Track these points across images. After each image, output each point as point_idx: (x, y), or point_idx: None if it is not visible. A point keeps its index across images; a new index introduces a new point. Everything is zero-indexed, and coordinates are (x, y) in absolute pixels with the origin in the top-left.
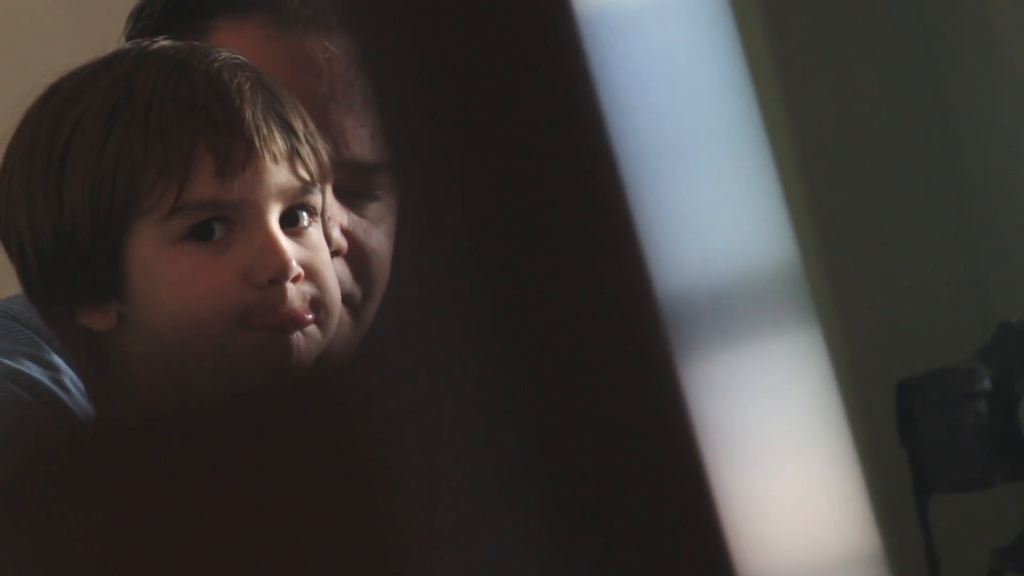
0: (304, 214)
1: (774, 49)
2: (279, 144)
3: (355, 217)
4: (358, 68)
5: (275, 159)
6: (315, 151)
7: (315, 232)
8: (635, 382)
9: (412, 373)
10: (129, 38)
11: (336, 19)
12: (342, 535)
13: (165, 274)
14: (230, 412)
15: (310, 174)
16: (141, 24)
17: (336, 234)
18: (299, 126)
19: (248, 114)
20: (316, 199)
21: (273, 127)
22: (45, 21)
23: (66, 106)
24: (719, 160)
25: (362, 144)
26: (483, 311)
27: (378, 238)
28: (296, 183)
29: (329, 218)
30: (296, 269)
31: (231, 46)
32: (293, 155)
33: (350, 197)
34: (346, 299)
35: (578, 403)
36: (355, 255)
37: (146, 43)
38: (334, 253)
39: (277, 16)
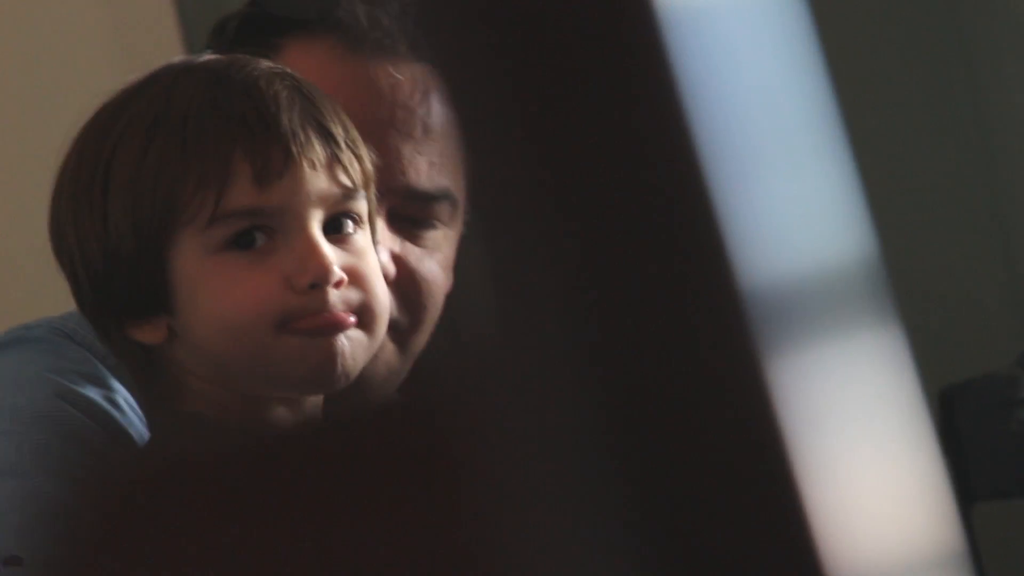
0: (348, 220)
1: (853, 46)
2: (317, 151)
3: (408, 244)
4: (422, 96)
5: (313, 165)
6: (358, 157)
7: (361, 238)
8: (720, 379)
9: (504, 383)
10: (209, 52)
11: (405, 46)
12: (438, 560)
13: (207, 283)
14: (320, 440)
15: (352, 180)
16: (218, 41)
17: (384, 259)
18: (339, 133)
19: (284, 121)
20: (360, 205)
21: (311, 134)
22: (87, 47)
23: (109, 122)
24: (800, 157)
25: (418, 172)
26: (570, 312)
27: (430, 267)
28: (337, 189)
29: (378, 243)
30: (338, 274)
31: (300, 65)
32: (333, 161)
33: (404, 224)
34: (392, 326)
35: (663, 401)
36: (405, 283)
37: (189, 58)
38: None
39: (346, 38)
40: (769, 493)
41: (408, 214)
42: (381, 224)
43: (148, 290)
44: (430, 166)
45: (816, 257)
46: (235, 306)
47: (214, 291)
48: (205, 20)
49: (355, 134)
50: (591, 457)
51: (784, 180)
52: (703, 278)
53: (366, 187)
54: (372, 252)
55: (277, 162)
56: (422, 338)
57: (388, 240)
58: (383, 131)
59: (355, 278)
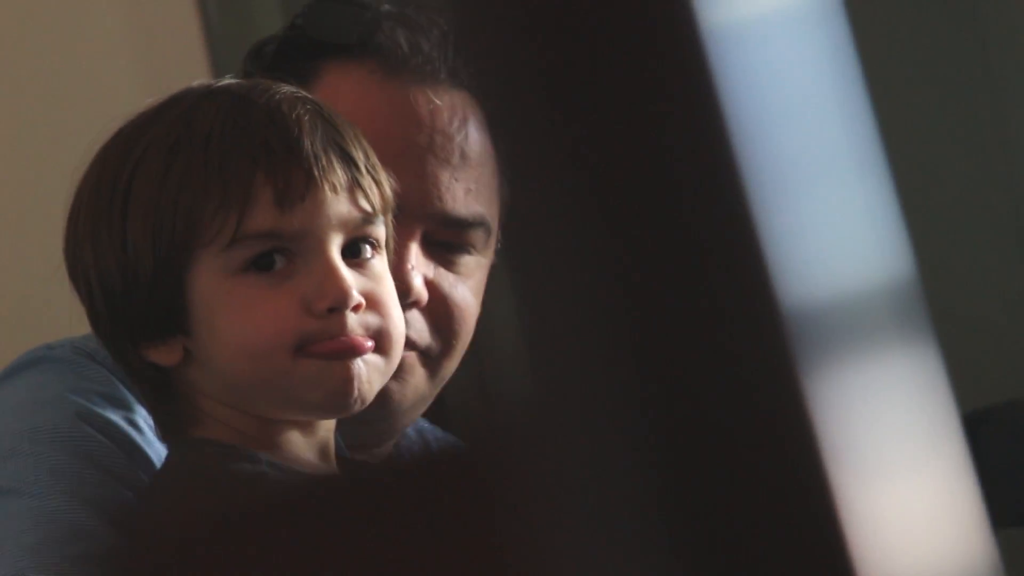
0: (367, 246)
1: (893, 64)
2: (339, 175)
3: (442, 270)
4: (460, 123)
5: (335, 189)
6: (377, 183)
7: (378, 263)
8: (759, 396)
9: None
10: (246, 75)
11: (445, 72)
12: None
13: (225, 304)
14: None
15: (372, 205)
16: (257, 63)
17: (418, 283)
18: (360, 158)
19: (307, 145)
20: (379, 231)
21: (333, 158)
22: (110, 66)
23: (131, 142)
24: (839, 175)
25: (455, 198)
26: (610, 330)
27: (463, 293)
28: (357, 214)
29: (412, 267)
30: (357, 298)
31: (339, 88)
32: (354, 186)
33: (439, 249)
34: (423, 352)
35: (703, 418)
36: (437, 308)
37: (208, 82)
38: (413, 303)
39: (386, 63)
40: (806, 510)
41: (442, 239)
42: (415, 249)
43: (165, 311)
44: (466, 193)
45: (854, 276)
46: (254, 329)
47: (232, 313)
48: (230, 31)
49: (375, 159)
50: (634, 473)
51: (823, 199)
52: (742, 297)
53: (384, 212)
54: (389, 277)
55: (299, 185)
56: (452, 364)
57: (422, 265)
58: (421, 156)
59: (373, 303)
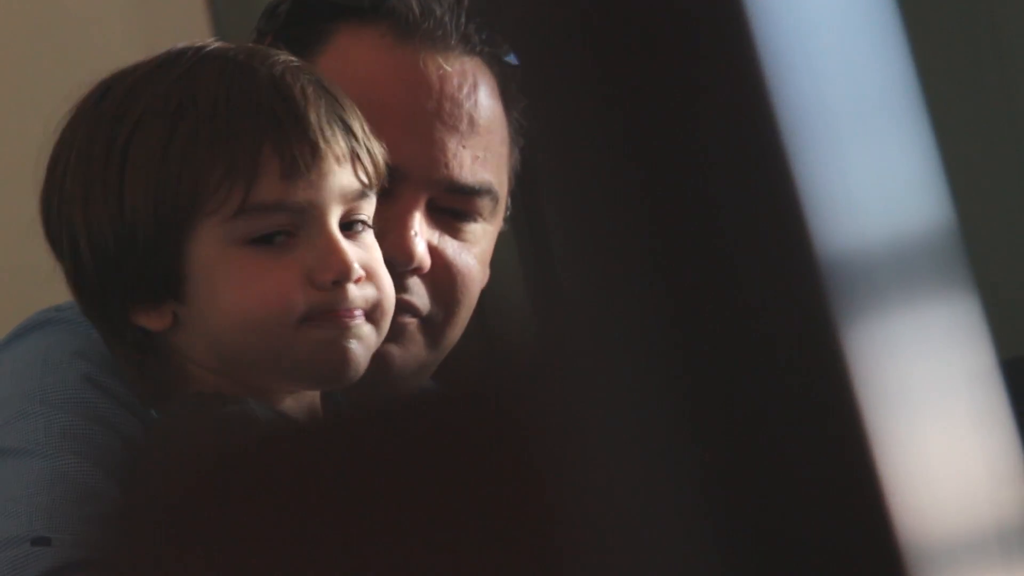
0: (361, 216)
1: (933, 12)
2: (341, 146)
3: (447, 237)
4: (470, 90)
5: (338, 161)
6: (371, 154)
7: (368, 234)
8: (797, 348)
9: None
10: (259, 33)
11: (456, 38)
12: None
13: (227, 275)
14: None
15: (368, 176)
16: (269, 24)
17: (420, 250)
18: (358, 128)
19: (313, 116)
20: (370, 206)
21: (336, 130)
22: (116, 44)
23: (124, 106)
24: (878, 124)
25: (462, 165)
26: (644, 281)
27: (467, 260)
28: (357, 185)
29: (415, 234)
30: (359, 271)
31: (349, 51)
32: (354, 157)
33: (444, 216)
34: (425, 319)
35: (740, 368)
36: (440, 274)
37: (199, 44)
38: (415, 270)
39: (397, 27)
40: (843, 460)
41: (448, 207)
42: (419, 215)
43: (160, 276)
44: (474, 160)
45: (893, 224)
46: (257, 300)
47: (234, 283)
48: (235, 14)
49: (370, 130)
50: (667, 428)
51: (861, 146)
52: (780, 246)
53: (377, 184)
54: (378, 248)
55: (306, 157)
56: (455, 332)
57: (426, 232)
58: (429, 122)
59: (369, 274)
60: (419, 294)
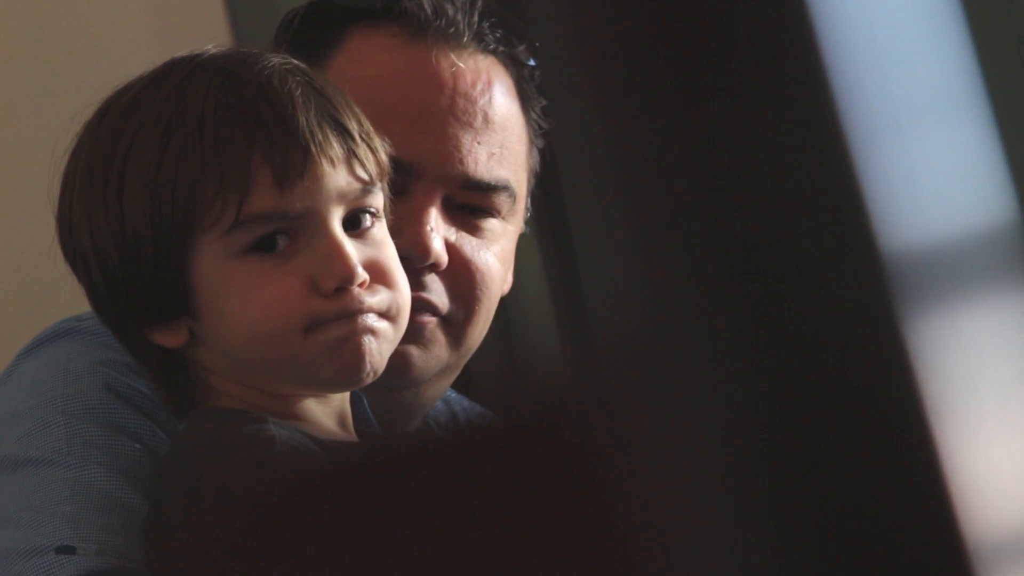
0: (367, 215)
1: (996, 5)
2: (335, 148)
3: (464, 234)
4: (484, 87)
5: (332, 163)
6: (372, 150)
7: (379, 231)
8: (862, 342)
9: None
10: (276, 44)
11: (469, 36)
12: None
13: (231, 288)
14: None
15: (369, 174)
16: (287, 31)
17: (437, 246)
18: (354, 127)
19: (302, 121)
20: (377, 199)
21: (328, 131)
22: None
23: (121, 123)
24: (944, 118)
25: (477, 161)
26: (707, 274)
27: (486, 258)
28: (356, 185)
29: (431, 230)
30: (362, 275)
31: (362, 52)
32: (350, 157)
33: (461, 213)
34: (445, 318)
35: (805, 362)
36: (458, 272)
37: (197, 53)
38: (432, 266)
39: (410, 27)
40: (908, 458)
41: (465, 203)
42: (436, 212)
43: (168, 294)
44: (489, 156)
45: (959, 219)
46: (262, 311)
47: (239, 296)
48: (255, 18)
49: (368, 126)
50: (732, 424)
51: (927, 142)
52: (844, 242)
53: (381, 179)
54: (390, 243)
55: (297, 163)
56: (476, 332)
57: (443, 228)
58: (442, 119)
59: (378, 272)
60: (437, 292)
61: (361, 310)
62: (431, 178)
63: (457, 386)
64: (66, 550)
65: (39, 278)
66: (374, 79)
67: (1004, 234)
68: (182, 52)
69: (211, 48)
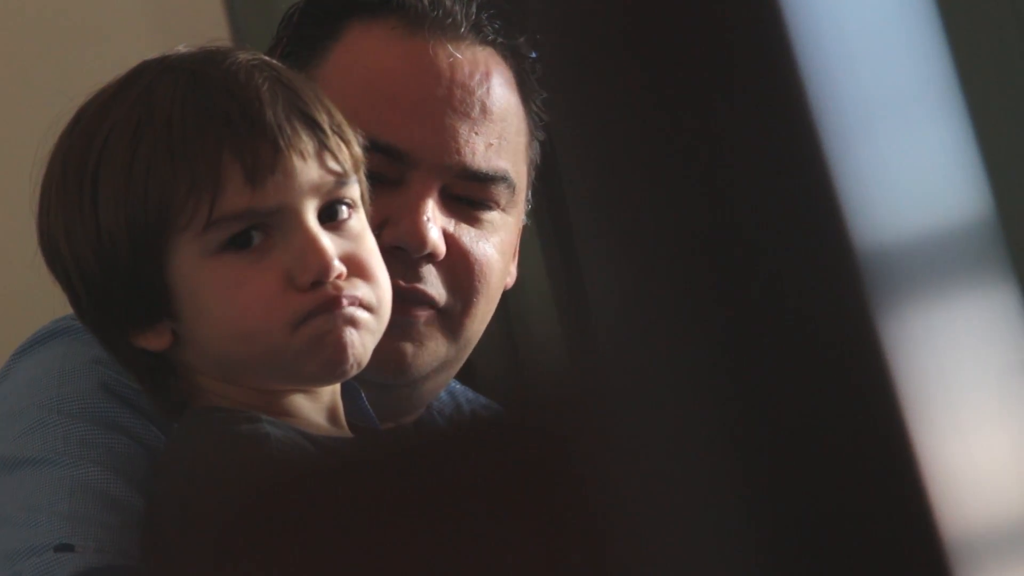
0: (342, 207)
1: (968, 3)
2: (305, 141)
3: (463, 225)
4: (482, 77)
5: (303, 157)
6: (345, 142)
7: (356, 222)
8: (836, 338)
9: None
10: (278, 40)
11: (467, 27)
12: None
13: (209, 287)
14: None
15: (342, 166)
16: (287, 27)
17: (433, 236)
18: (324, 119)
19: (269, 115)
20: (353, 190)
21: (297, 125)
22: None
23: (92, 128)
24: (916, 114)
25: (474, 152)
26: (683, 278)
27: (485, 249)
28: (329, 177)
29: (427, 220)
30: (339, 267)
31: (360, 45)
32: (321, 150)
33: (459, 204)
34: (442, 310)
35: (778, 359)
36: (456, 263)
37: (167, 54)
38: (429, 257)
39: (408, 18)
40: (882, 453)
41: (463, 194)
42: (432, 202)
43: (148, 297)
44: (487, 147)
45: (933, 215)
46: (243, 309)
47: (217, 295)
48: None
49: (340, 117)
50: (705, 423)
51: (901, 137)
52: (817, 238)
53: (356, 170)
54: (369, 234)
55: (267, 158)
56: (475, 324)
57: (440, 219)
58: (439, 108)
59: (355, 264)
60: (434, 283)
61: (339, 303)
62: (428, 168)
63: (460, 379)
64: (65, 548)
65: (31, 279)
66: (372, 71)
67: (977, 229)
68: (154, 55)
69: (181, 48)
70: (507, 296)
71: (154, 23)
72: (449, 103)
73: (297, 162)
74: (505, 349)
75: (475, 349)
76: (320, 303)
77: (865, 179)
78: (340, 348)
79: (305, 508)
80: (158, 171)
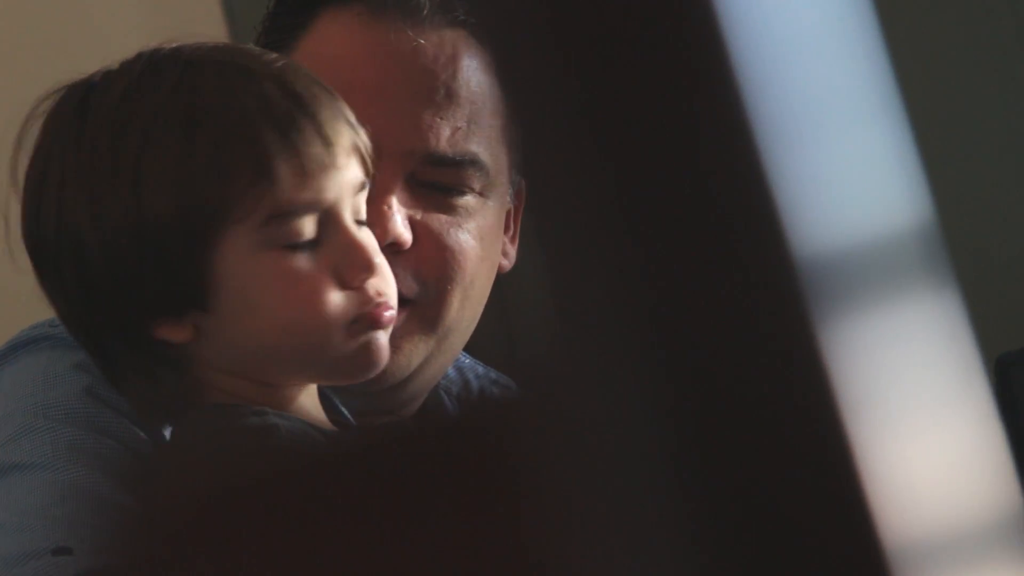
0: (362, 215)
1: (908, 6)
2: (346, 139)
3: (433, 212)
4: (447, 61)
5: (347, 155)
6: (366, 143)
7: (365, 227)
8: (775, 347)
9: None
10: (261, 31)
11: (432, 10)
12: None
13: (262, 280)
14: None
15: (368, 167)
16: (264, 18)
17: (396, 224)
18: (354, 120)
19: (321, 114)
20: (366, 194)
21: (340, 123)
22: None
23: (119, 117)
24: (854, 120)
25: (439, 137)
26: (623, 286)
27: (458, 235)
28: (361, 176)
29: (388, 208)
30: (383, 265)
31: (327, 32)
32: (356, 149)
33: (430, 191)
34: (415, 301)
35: (717, 370)
36: (425, 250)
37: (169, 47)
38: (393, 245)
39: (372, 4)
40: (824, 463)
41: (431, 180)
42: (397, 189)
43: (185, 287)
44: (454, 131)
45: (871, 223)
46: (302, 304)
47: (272, 288)
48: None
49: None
50: (648, 429)
51: (837, 144)
52: (756, 246)
53: (370, 175)
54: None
55: (322, 155)
56: (452, 312)
57: (407, 207)
58: (399, 94)
59: (380, 265)
60: (402, 276)
61: (385, 307)
62: (390, 155)
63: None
64: (63, 551)
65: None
66: (335, 59)
67: (917, 237)
68: (150, 46)
69: (178, 41)
70: (502, 283)
71: (150, 21)
72: (410, 88)
73: (343, 160)
74: (500, 337)
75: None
76: (367, 306)
77: (802, 184)
78: (380, 356)
79: (317, 496)
80: (217, 161)
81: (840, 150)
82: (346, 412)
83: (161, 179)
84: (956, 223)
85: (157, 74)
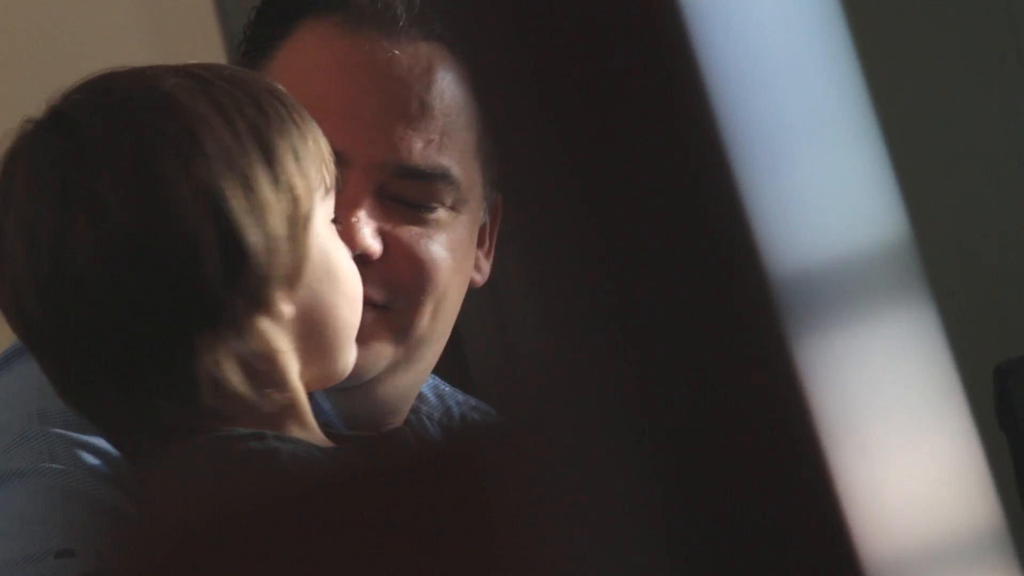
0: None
1: (881, 24)
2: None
3: (404, 225)
4: (422, 73)
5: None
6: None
7: None
8: (752, 363)
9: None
10: (241, 40)
11: (408, 22)
12: None
13: (336, 249)
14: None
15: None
16: (246, 28)
17: (364, 235)
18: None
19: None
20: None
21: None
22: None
23: (228, 101)
24: (831, 137)
25: (410, 149)
26: (596, 297)
27: (428, 247)
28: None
29: (356, 220)
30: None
31: (303, 43)
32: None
33: (402, 205)
34: (383, 307)
35: (693, 386)
36: (396, 262)
37: (167, 69)
38: (360, 256)
39: (348, 15)
40: (802, 477)
41: (402, 194)
42: (367, 201)
43: (301, 260)
44: (427, 144)
45: (849, 238)
46: (355, 276)
47: (341, 257)
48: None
49: None
50: (626, 448)
51: (814, 161)
52: (733, 263)
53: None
54: None
55: (328, 146)
56: (424, 323)
57: (378, 218)
58: (371, 106)
59: None
60: (372, 283)
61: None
62: (361, 167)
63: (452, 378)
64: (65, 554)
65: None
66: (309, 70)
67: (893, 253)
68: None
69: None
70: (500, 293)
71: (146, 26)
72: (382, 100)
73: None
74: (497, 349)
75: (469, 348)
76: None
77: (778, 201)
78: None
79: (322, 517)
80: (309, 148)
81: (815, 167)
82: (336, 422)
83: (288, 164)
84: (952, 231)
85: (194, 90)
